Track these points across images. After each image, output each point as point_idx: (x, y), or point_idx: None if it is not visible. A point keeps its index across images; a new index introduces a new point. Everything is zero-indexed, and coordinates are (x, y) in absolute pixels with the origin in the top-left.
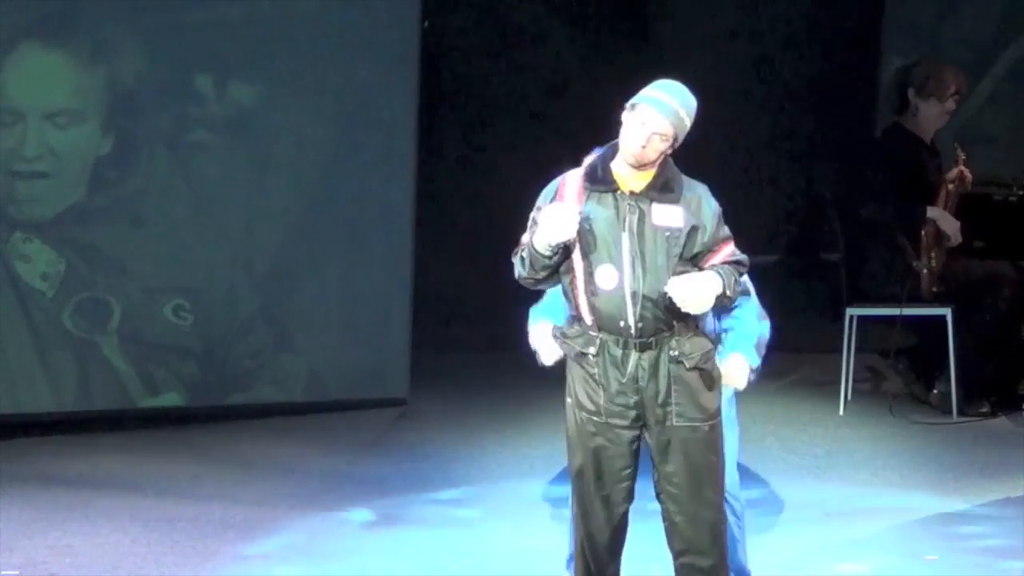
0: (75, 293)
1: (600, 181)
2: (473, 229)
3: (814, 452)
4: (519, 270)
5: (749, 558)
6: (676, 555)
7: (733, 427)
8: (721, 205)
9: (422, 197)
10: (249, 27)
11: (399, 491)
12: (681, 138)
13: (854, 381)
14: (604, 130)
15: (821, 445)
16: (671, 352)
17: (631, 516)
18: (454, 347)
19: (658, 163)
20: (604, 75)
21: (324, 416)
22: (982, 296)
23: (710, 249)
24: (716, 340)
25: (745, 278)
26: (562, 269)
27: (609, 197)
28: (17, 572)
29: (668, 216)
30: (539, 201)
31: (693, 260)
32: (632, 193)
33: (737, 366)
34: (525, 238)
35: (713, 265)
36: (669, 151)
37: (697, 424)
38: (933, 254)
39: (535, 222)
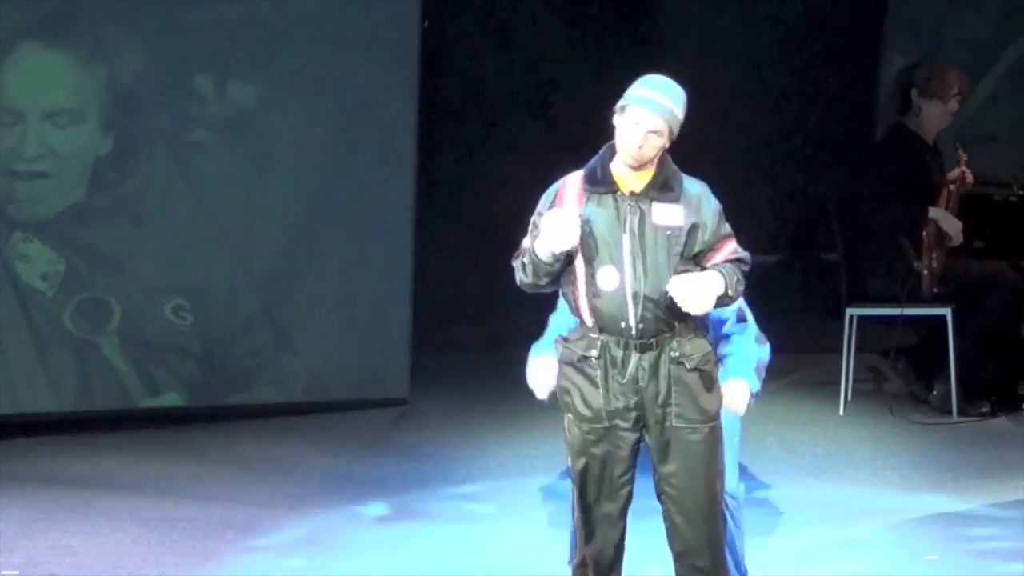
0: (75, 293)
1: (600, 183)
2: (473, 229)
3: (814, 452)
4: (520, 276)
5: (749, 558)
6: (676, 556)
7: (734, 434)
8: (721, 205)
9: (422, 197)
10: (249, 27)
11: (399, 490)
12: (676, 131)
13: (854, 381)
14: (604, 130)
15: (821, 445)
16: (672, 353)
17: (631, 517)
18: (454, 347)
19: (656, 162)
20: (604, 75)
21: (324, 416)
22: (982, 296)
23: (712, 247)
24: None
25: (741, 302)
26: (563, 272)
27: (609, 198)
28: (17, 572)
29: (668, 215)
30: (540, 206)
31: (695, 259)
32: (632, 194)
33: (737, 390)
34: (526, 242)
35: (715, 264)
36: (666, 146)
37: (697, 425)
38: (934, 255)
39: (536, 226)
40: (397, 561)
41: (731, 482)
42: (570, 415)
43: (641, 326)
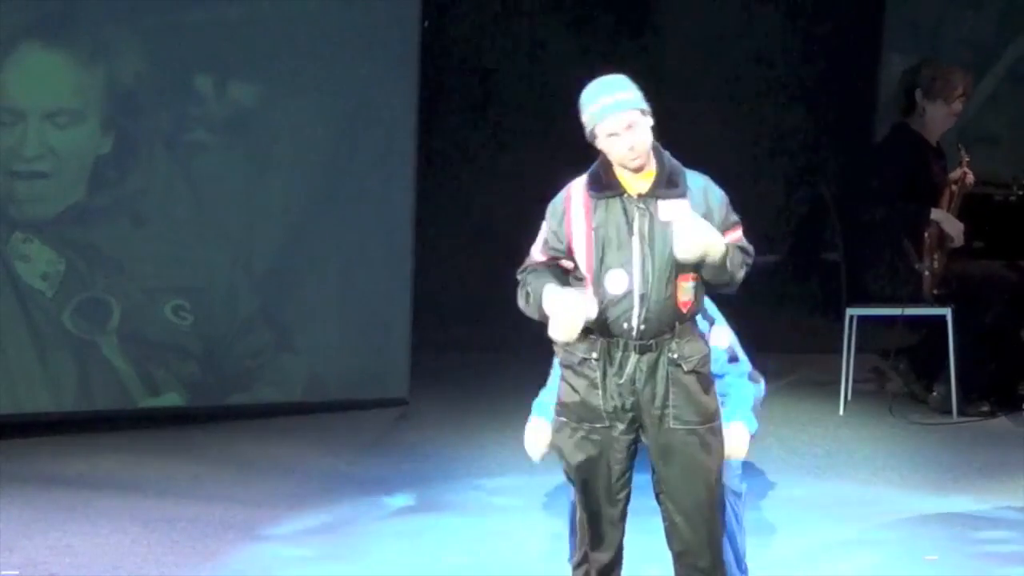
0: (75, 293)
1: (606, 187)
2: (473, 229)
3: (814, 452)
4: (522, 302)
5: (749, 557)
6: (675, 556)
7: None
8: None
9: (422, 197)
10: (249, 27)
11: (399, 490)
12: (646, 107)
13: (854, 381)
14: None
15: (821, 445)
16: (670, 355)
17: (631, 517)
18: (454, 347)
19: (656, 160)
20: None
21: (324, 416)
22: (982, 296)
23: (720, 234)
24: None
25: (733, 339)
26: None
27: (617, 202)
28: (17, 572)
29: (675, 211)
30: (548, 215)
31: None
32: (639, 195)
33: (737, 436)
34: (534, 251)
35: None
36: (651, 123)
37: (694, 427)
38: (935, 256)
39: (547, 243)
40: (397, 559)
41: (734, 479)
42: (564, 419)
43: (643, 327)
